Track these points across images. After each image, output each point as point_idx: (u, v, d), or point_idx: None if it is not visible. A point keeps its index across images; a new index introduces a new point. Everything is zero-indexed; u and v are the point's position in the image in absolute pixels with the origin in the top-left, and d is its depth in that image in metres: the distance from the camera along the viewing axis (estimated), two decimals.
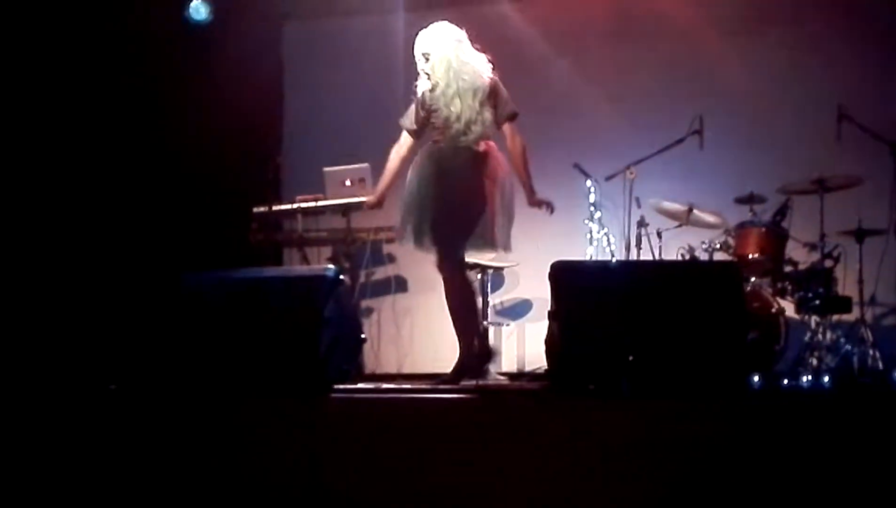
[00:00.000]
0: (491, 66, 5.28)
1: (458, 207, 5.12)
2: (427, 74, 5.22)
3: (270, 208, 7.00)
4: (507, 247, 5.27)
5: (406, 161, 5.40)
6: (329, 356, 4.50)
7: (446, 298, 5.23)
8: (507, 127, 5.29)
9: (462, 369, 5.18)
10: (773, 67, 7.18)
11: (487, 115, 5.20)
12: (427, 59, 5.22)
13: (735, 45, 7.22)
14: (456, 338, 5.28)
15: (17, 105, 6.71)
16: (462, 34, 5.28)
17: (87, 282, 6.79)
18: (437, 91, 5.18)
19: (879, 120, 6.30)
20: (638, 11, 7.46)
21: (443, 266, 5.21)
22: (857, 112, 6.16)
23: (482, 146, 5.21)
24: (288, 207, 7.05)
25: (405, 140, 5.42)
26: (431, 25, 5.31)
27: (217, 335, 4.56)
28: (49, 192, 6.82)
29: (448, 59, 5.18)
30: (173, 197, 7.35)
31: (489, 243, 5.22)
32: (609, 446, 3.83)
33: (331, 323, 4.53)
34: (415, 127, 5.35)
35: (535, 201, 5.36)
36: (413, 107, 5.36)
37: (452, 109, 5.14)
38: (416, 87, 5.34)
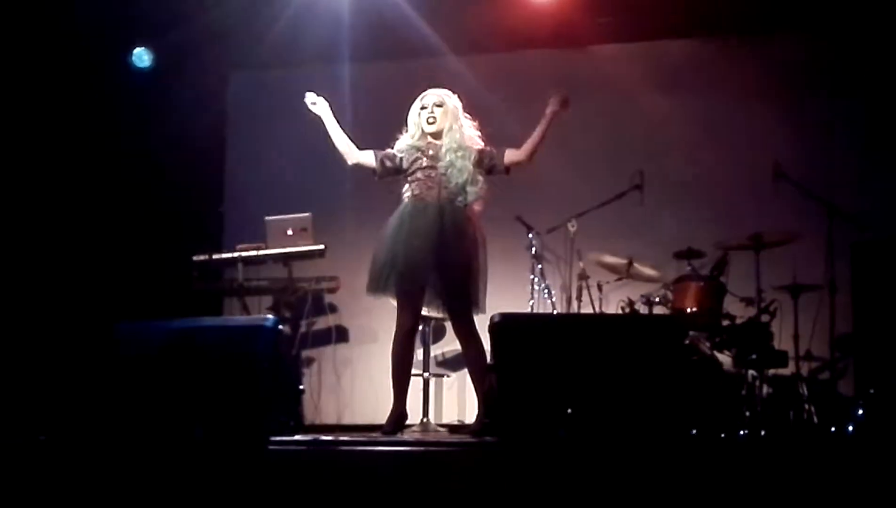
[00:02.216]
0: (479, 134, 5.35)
1: (471, 269, 5.13)
2: (433, 119, 5.21)
3: (211, 256, 6.95)
4: (484, 308, 5.22)
5: (352, 155, 5.35)
6: (267, 406, 4.44)
7: (476, 357, 5.15)
8: (510, 153, 5.31)
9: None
10: (712, 125, 7.32)
11: (480, 178, 5.24)
12: (440, 106, 5.24)
13: (675, 102, 7.35)
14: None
15: None
16: None
17: (20, 331, 6.65)
18: (441, 144, 5.20)
19: (815, 178, 6.46)
20: (581, 68, 7.57)
21: (468, 328, 5.15)
22: (793, 170, 6.30)
23: (467, 211, 5.23)
24: (229, 255, 6.99)
25: (366, 157, 5.35)
26: (441, 88, 5.35)
27: (152, 385, 4.48)
28: None
29: (458, 113, 5.27)
30: (113, 244, 7.27)
31: (479, 307, 5.19)
32: (548, 498, 3.81)
33: (269, 373, 4.47)
34: (380, 169, 5.30)
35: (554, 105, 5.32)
36: (391, 153, 5.30)
37: (454, 166, 5.17)
38: (403, 134, 5.32)
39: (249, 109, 8.09)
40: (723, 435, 5.62)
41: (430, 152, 5.22)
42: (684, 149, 7.29)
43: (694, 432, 5.16)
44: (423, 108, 5.28)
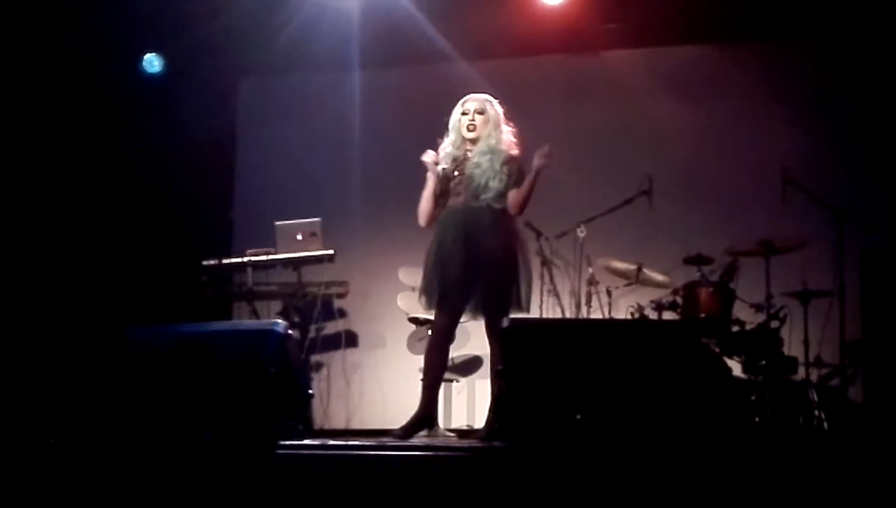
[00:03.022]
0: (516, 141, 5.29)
1: (504, 266, 5.07)
2: (473, 126, 5.18)
3: (221, 261, 6.96)
4: (528, 307, 5.18)
5: (426, 217, 5.25)
6: (276, 411, 4.45)
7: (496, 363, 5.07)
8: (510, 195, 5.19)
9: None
10: (721, 130, 7.32)
11: (504, 177, 5.15)
12: (482, 113, 5.20)
13: (684, 108, 7.35)
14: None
15: None
16: None
17: (33, 335, 6.68)
18: (475, 149, 5.17)
19: (823, 184, 6.44)
20: (590, 73, 7.59)
21: (496, 333, 5.03)
22: (802, 175, 6.29)
23: (501, 205, 5.15)
24: (238, 260, 7.00)
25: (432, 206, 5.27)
26: (484, 94, 5.32)
27: (162, 390, 4.50)
28: None
29: (499, 120, 5.23)
30: (124, 249, 7.29)
31: (522, 306, 5.11)
32: (557, 503, 3.81)
33: (278, 378, 4.48)
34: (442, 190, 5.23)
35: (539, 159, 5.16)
36: (443, 172, 5.21)
37: (480, 167, 5.12)
38: (445, 139, 5.27)
39: (259, 114, 8.11)
40: (732, 441, 5.61)
41: (465, 159, 5.21)
42: (693, 154, 7.28)
43: (702, 437, 5.16)
44: (464, 113, 5.24)
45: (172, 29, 7.16)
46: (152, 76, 7.58)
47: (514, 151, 5.24)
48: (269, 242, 6.93)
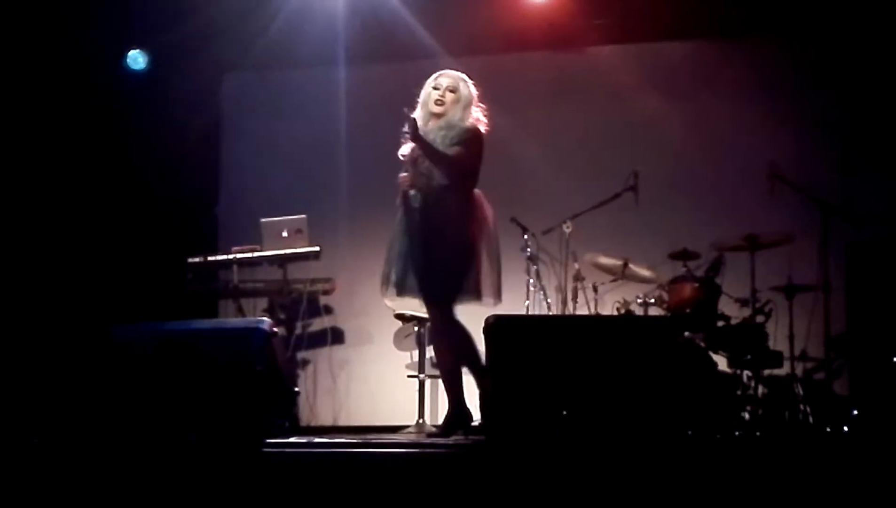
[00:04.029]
0: (485, 119, 5.07)
1: (445, 253, 4.79)
2: (441, 102, 4.94)
3: (206, 258, 6.94)
4: (496, 297, 4.90)
5: None
6: (262, 408, 4.44)
7: (437, 352, 4.99)
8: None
9: (453, 423, 4.91)
10: (707, 126, 7.33)
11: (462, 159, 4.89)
12: (454, 91, 4.96)
13: (670, 104, 7.36)
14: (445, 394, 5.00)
15: None
16: None
17: (15, 334, 6.64)
18: (434, 125, 4.93)
19: (809, 179, 6.46)
20: (577, 69, 7.59)
21: (440, 317, 4.87)
22: (788, 171, 6.31)
23: (457, 193, 4.90)
24: (224, 257, 6.99)
25: None
26: (460, 72, 5.09)
27: (147, 388, 4.48)
28: None
29: (469, 102, 4.99)
30: (109, 246, 7.25)
31: (474, 294, 4.83)
32: (543, 499, 3.81)
33: (264, 375, 4.48)
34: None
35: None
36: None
37: (435, 144, 4.85)
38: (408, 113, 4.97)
39: (244, 111, 8.08)
40: (718, 436, 5.63)
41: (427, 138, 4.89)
42: (679, 150, 7.29)
43: (690, 433, 5.17)
44: (435, 88, 5.01)
45: (156, 25, 7.12)
46: (136, 73, 7.54)
47: (474, 127, 4.97)
48: (254, 239, 6.92)
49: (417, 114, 4.98)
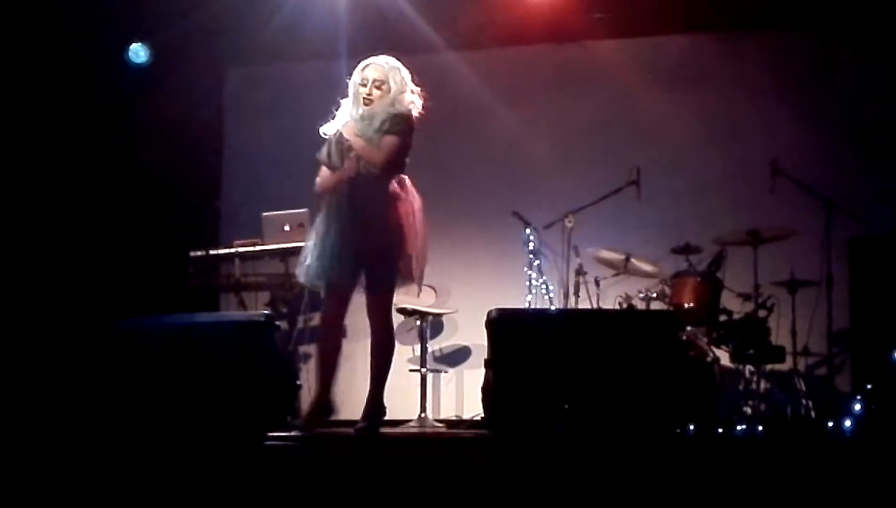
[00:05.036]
0: (420, 103, 4.91)
1: (378, 243, 4.76)
2: (369, 100, 4.84)
3: (208, 252, 6.94)
4: (420, 279, 4.89)
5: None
6: (263, 402, 4.44)
7: (381, 352, 4.93)
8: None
9: (377, 419, 4.91)
10: (710, 120, 7.32)
11: (378, 137, 4.77)
12: (380, 88, 4.84)
13: (672, 98, 7.34)
14: (370, 383, 4.98)
15: None
16: None
17: (17, 327, 6.64)
18: (373, 119, 4.81)
19: (812, 174, 6.46)
20: (578, 63, 7.57)
21: (380, 313, 4.90)
22: (790, 166, 6.31)
23: (391, 183, 4.82)
24: (225, 251, 6.99)
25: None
26: (390, 59, 4.95)
27: (148, 381, 4.48)
28: None
29: (399, 91, 4.84)
30: (110, 240, 7.25)
31: (408, 278, 4.84)
32: (545, 493, 3.81)
33: (265, 369, 4.47)
34: (337, 164, 4.91)
35: None
36: (330, 143, 4.94)
37: (364, 135, 4.79)
38: (332, 117, 4.95)
39: (246, 105, 8.07)
40: (720, 430, 5.63)
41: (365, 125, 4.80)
42: (681, 145, 7.28)
43: (691, 427, 5.18)
44: (362, 84, 4.86)
45: (158, 19, 7.11)
46: (138, 67, 7.53)
47: (403, 114, 4.81)
48: (256, 233, 6.91)
49: (347, 102, 4.90)
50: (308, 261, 4.83)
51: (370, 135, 4.79)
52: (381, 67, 4.90)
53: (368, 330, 4.98)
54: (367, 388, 4.92)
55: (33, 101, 7.01)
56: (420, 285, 4.94)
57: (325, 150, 4.97)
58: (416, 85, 4.96)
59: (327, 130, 4.98)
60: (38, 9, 6.85)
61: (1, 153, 6.86)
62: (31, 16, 6.85)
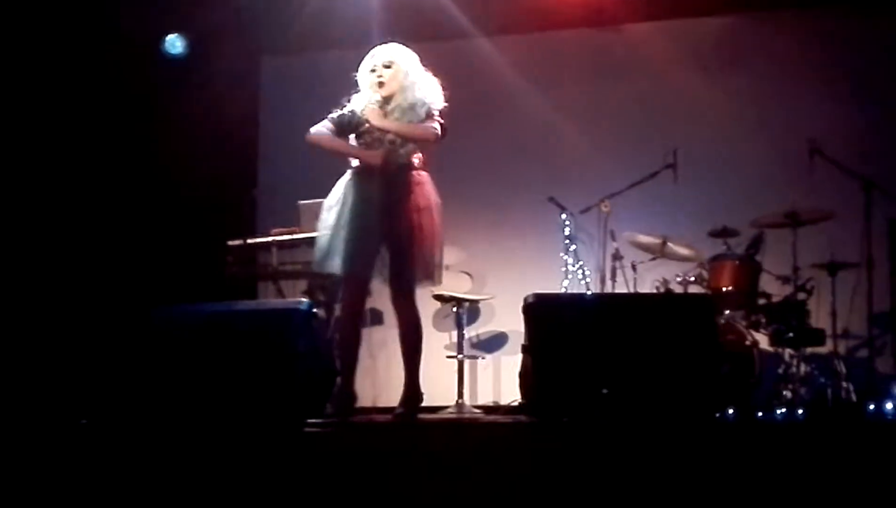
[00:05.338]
0: (443, 93, 4.93)
1: (414, 238, 4.79)
2: (381, 82, 4.85)
3: (245, 241, 6.97)
4: (439, 279, 4.93)
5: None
6: (302, 389, 4.46)
7: (409, 334, 4.92)
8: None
9: (415, 404, 4.95)
10: (746, 102, 7.25)
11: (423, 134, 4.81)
12: (389, 67, 4.87)
13: (708, 80, 7.29)
14: (406, 372, 5.00)
15: None
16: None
17: (59, 316, 6.73)
18: (390, 105, 4.84)
19: (851, 154, 6.38)
20: (613, 46, 7.53)
21: (406, 301, 4.90)
22: (828, 146, 6.23)
23: (415, 174, 4.85)
24: (263, 240, 7.01)
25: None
26: (392, 43, 5.01)
27: (188, 370, 4.52)
28: (22, 226, 6.78)
29: (410, 73, 4.87)
30: (148, 230, 7.33)
31: (432, 279, 4.89)
32: (584, 478, 3.81)
33: (304, 357, 4.49)
34: (336, 128, 4.90)
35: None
36: (329, 122, 4.93)
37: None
38: (344, 104, 4.96)
39: (282, 94, 8.10)
40: (760, 415, 5.61)
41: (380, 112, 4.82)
42: (718, 127, 7.22)
43: (731, 412, 5.16)
44: (372, 70, 4.88)
45: (193, 10, 7.16)
46: (175, 57, 7.59)
47: (435, 106, 4.84)
48: (293, 221, 6.94)
49: (363, 96, 4.89)
50: (328, 248, 4.83)
51: (411, 118, 4.79)
52: (385, 50, 4.94)
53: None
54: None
55: (73, 93, 7.09)
56: (439, 276, 4.90)
57: (341, 115, 4.92)
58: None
59: (355, 105, 4.92)
60: (76, 2, 6.93)
61: (42, 145, 6.95)
62: (69, 9, 6.93)
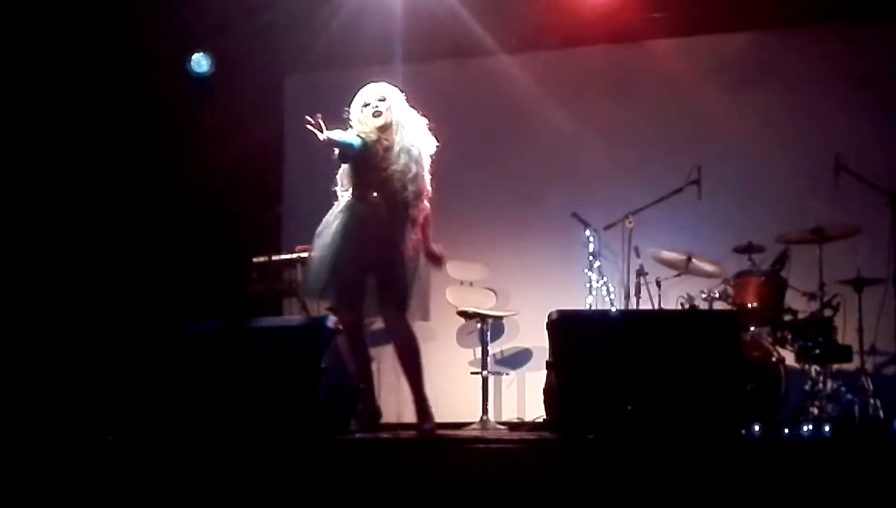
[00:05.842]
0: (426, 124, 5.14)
1: (406, 270, 4.96)
2: (378, 112, 5.01)
3: (270, 258, 7.01)
4: (425, 317, 5.16)
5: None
6: (327, 405, 4.48)
7: (411, 356, 5.12)
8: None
9: (430, 417, 5.06)
10: (771, 118, 7.23)
11: (421, 176, 5.03)
12: (383, 100, 5.03)
13: (733, 96, 7.27)
14: (413, 392, 5.17)
15: (18, 153, 6.77)
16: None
17: (87, 332, 6.79)
18: (392, 141, 4.99)
19: (877, 170, 6.35)
20: (637, 63, 7.54)
21: (404, 324, 5.06)
22: (854, 162, 6.20)
23: (419, 211, 5.02)
24: (287, 257, 7.05)
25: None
26: (381, 82, 5.16)
27: (215, 385, 4.55)
28: (51, 242, 6.85)
29: (402, 108, 5.06)
30: (174, 247, 7.38)
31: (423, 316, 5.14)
32: (610, 495, 3.80)
33: (329, 372, 4.52)
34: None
35: (431, 252, 5.16)
36: (346, 169, 5.11)
37: (409, 170, 4.96)
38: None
39: (306, 111, 8.11)
40: (786, 431, 5.57)
41: (382, 150, 4.99)
42: (742, 143, 7.20)
43: (757, 428, 5.13)
44: (365, 105, 5.05)
45: (218, 29, 7.23)
46: (200, 76, 7.66)
47: (430, 151, 5.07)
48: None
49: (360, 131, 5.03)
50: (318, 275, 4.99)
51: (413, 168, 4.97)
52: (375, 87, 5.12)
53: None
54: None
55: (98, 111, 7.16)
56: (425, 317, 5.15)
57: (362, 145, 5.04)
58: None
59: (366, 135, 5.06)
60: (101, 20, 7.00)
61: (69, 162, 7.03)
62: (96, 28, 7.01)
